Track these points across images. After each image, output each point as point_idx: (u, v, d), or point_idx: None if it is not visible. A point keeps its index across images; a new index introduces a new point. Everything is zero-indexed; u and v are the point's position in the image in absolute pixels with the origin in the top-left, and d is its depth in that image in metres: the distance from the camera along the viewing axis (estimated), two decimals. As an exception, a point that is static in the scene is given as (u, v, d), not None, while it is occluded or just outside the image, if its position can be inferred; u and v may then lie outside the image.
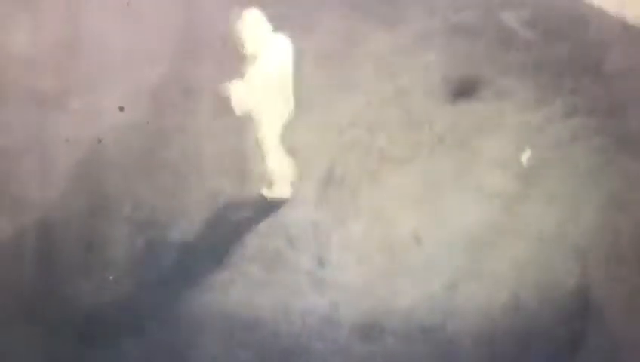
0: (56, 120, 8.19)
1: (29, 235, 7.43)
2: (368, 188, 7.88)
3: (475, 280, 7.27)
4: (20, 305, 7.04)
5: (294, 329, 7.00)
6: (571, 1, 9.29)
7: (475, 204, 7.75)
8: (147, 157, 8.02)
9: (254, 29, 7.04)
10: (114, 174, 7.87)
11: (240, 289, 7.21)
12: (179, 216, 7.64)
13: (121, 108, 8.12)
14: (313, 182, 7.89)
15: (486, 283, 7.25)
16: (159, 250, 7.47)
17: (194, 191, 7.82)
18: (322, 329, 7.01)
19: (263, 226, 7.60)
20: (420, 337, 6.97)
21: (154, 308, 7.10)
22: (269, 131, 7.39)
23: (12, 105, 8.32)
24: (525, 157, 8.05)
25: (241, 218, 7.67)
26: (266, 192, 7.75)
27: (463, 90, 8.58)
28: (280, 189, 7.71)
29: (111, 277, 7.24)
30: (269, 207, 7.71)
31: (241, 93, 7.15)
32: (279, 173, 7.65)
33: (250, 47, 7.06)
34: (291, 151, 7.94)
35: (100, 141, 7.97)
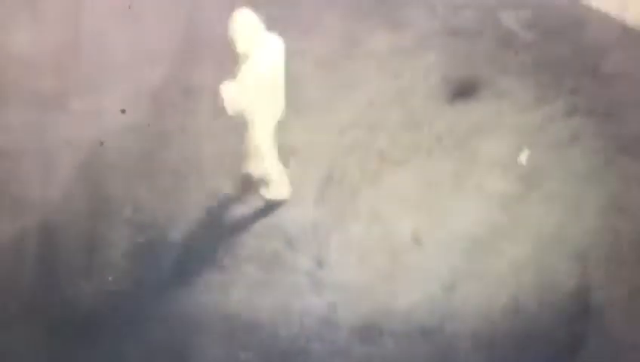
0: (57, 121, 8.20)
1: (30, 236, 7.44)
2: (368, 189, 7.89)
3: (475, 281, 7.27)
4: (20, 306, 7.05)
5: (293, 330, 7.01)
6: (571, 3, 9.30)
7: (474, 204, 7.76)
8: (147, 159, 8.02)
9: (246, 28, 7.04)
10: (114, 175, 7.88)
11: (239, 290, 7.21)
12: (179, 217, 7.65)
13: (123, 111, 8.14)
14: (313, 183, 7.90)
15: (485, 285, 7.25)
16: (159, 251, 7.48)
17: (194, 192, 7.82)
18: (321, 330, 7.02)
19: (262, 227, 7.61)
20: (419, 338, 6.97)
21: (154, 308, 7.10)
22: (262, 131, 7.39)
23: (12, 106, 8.33)
24: (525, 157, 8.05)
25: (241, 219, 7.68)
26: (264, 193, 7.76)
27: (463, 90, 8.59)
28: (279, 190, 7.72)
29: (110, 278, 7.25)
30: (268, 208, 7.72)
31: (233, 93, 7.16)
32: (276, 174, 7.65)
33: (241, 46, 7.06)
34: (291, 151, 7.96)
35: (101, 143, 7.99)
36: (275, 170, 7.63)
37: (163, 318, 7.03)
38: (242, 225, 7.62)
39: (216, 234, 7.58)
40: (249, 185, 7.78)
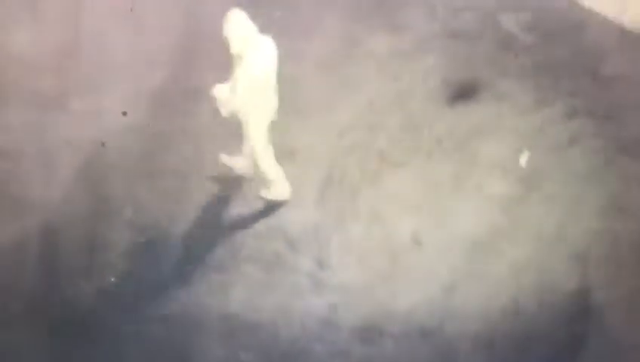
0: (57, 121, 8.20)
1: (30, 237, 7.43)
2: (368, 190, 7.89)
3: (475, 282, 7.27)
4: (20, 306, 7.04)
5: (294, 331, 7.00)
6: (570, 6, 9.33)
7: (474, 206, 7.76)
8: (148, 159, 8.02)
9: (239, 28, 7.10)
10: (115, 176, 7.87)
11: (239, 290, 7.21)
12: (179, 217, 7.64)
13: (124, 113, 8.15)
14: (313, 184, 7.90)
15: (485, 286, 7.25)
16: (159, 251, 7.47)
17: (194, 192, 7.83)
18: (321, 331, 7.01)
19: (263, 228, 7.61)
20: (419, 339, 6.97)
21: (154, 309, 7.10)
22: (256, 131, 7.41)
23: (13, 106, 8.33)
24: (524, 159, 8.07)
25: (241, 219, 7.68)
26: (265, 193, 7.76)
27: (463, 92, 8.60)
28: (279, 190, 7.72)
29: (112, 279, 7.24)
30: (268, 208, 7.72)
31: (227, 95, 7.22)
32: (274, 174, 7.65)
33: (235, 46, 7.12)
34: (291, 152, 7.97)
35: (103, 144, 7.98)
36: (272, 170, 7.64)
37: (163, 318, 7.02)
38: (243, 226, 7.62)
39: (217, 234, 7.57)
40: (230, 181, 7.78)
